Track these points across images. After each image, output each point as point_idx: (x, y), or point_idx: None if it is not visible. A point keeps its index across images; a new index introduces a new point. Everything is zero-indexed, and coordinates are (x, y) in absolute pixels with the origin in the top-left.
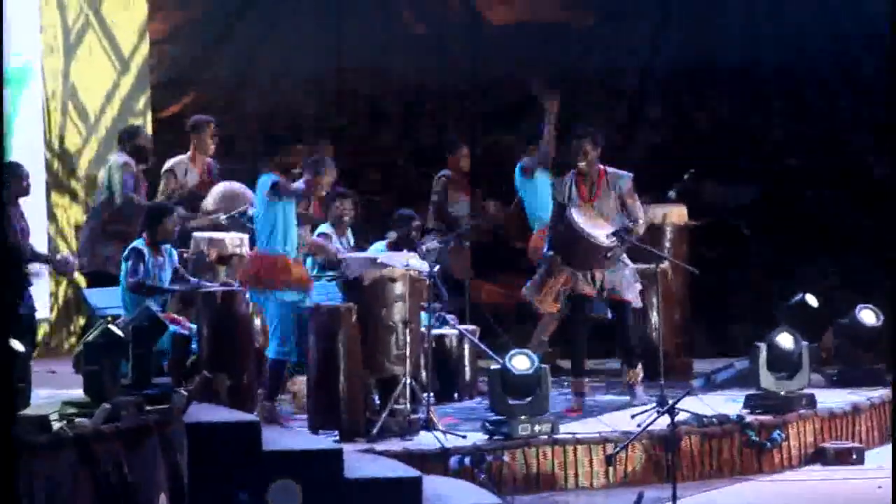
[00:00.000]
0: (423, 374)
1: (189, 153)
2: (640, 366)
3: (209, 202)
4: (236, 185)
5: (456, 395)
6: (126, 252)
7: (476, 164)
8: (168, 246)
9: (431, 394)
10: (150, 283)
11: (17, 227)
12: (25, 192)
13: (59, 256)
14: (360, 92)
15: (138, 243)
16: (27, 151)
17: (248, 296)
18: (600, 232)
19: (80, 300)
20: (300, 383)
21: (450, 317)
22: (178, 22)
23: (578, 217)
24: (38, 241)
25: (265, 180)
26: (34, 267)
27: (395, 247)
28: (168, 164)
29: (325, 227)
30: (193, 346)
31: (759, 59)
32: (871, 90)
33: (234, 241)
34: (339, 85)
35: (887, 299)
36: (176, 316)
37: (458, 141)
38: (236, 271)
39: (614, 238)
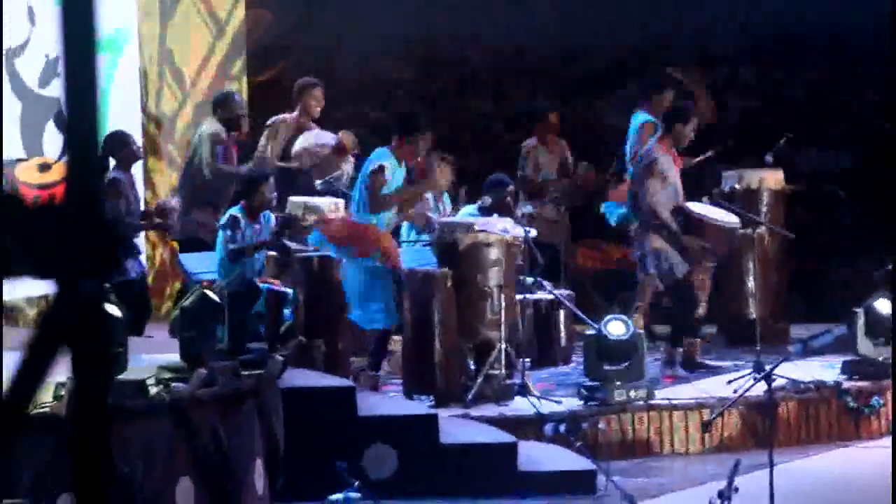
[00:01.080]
0: (519, 338)
1: (295, 114)
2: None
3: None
4: (317, 135)
5: (551, 360)
6: (223, 219)
7: (568, 129)
8: (266, 212)
9: (527, 359)
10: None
11: (131, 195)
12: (137, 156)
13: (158, 202)
14: (452, 57)
15: (235, 210)
16: (124, 117)
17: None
18: (720, 213)
19: (175, 264)
20: (397, 342)
21: (546, 282)
22: None
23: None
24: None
25: (373, 156)
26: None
27: (487, 212)
28: (271, 120)
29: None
30: (287, 311)
31: (852, 23)
32: None
33: (330, 206)
34: (430, 51)
35: None
36: (271, 279)
37: (545, 106)
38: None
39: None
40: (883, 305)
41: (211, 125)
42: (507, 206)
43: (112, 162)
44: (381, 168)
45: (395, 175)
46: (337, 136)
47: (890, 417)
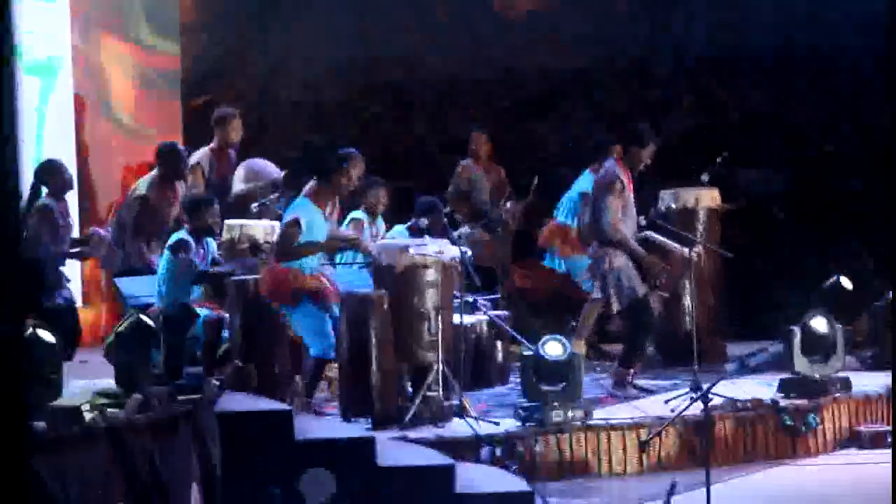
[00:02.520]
0: (455, 361)
1: (212, 145)
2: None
3: (237, 181)
4: (260, 162)
5: (488, 381)
6: (172, 241)
7: (506, 153)
8: (208, 238)
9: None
10: (202, 269)
11: (62, 223)
12: (69, 185)
13: (91, 232)
14: (390, 81)
15: (183, 234)
16: (58, 142)
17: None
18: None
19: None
20: (335, 369)
21: (482, 303)
22: (210, 12)
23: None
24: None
25: (294, 205)
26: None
27: (419, 233)
28: (194, 157)
29: (358, 214)
30: (225, 333)
31: (791, 44)
32: None
33: (267, 228)
34: (368, 74)
35: None
36: (209, 304)
37: (477, 129)
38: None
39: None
40: (819, 323)
41: (144, 187)
42: (443, 228)
43: (44, 190)
44: (296, 222)
45: (314, 226)
46: (279, 173)
47: (827, 435)
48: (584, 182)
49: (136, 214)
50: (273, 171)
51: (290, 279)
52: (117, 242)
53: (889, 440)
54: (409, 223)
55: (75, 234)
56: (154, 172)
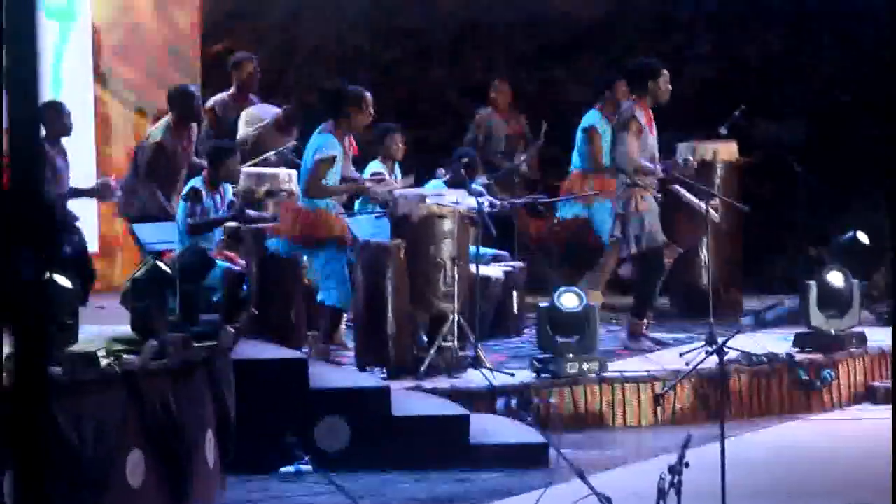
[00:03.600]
0: (477, 310)
1: (231, 91)
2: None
3: (241, 127)
4: (258, 107)
5: (504, 332)
6: (185, 191)
7: (525, 100)
8: (226, 185)
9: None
10: (209, 217)
11: (58, 166)
12: (67, 130)
13: (99, 182)
14: (409, 26)
15: (197, 182)
16: (76, 87)
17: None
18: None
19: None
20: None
21: (501, 253)
22: None
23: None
24: (86, 175)
25: (324, 142)
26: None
27: (452, 185)
28: (209, 102)
29: (376, 165)
30: (244, 288)
31: None
32: None
33: (283, 176)
34: (387, 21)
35: None
36: (228, 253)
37: (501, 75)
38: (280, 218)
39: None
40: (835, 277)
41: (158, 133)
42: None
43: (42, 131)
44: (333, 158)
45: (339, 164)
46: (280, 110)
47: (842, 391)
48: (590, 118)
49: (150, 160)
50: (273, 111)
51: (319, 221)
52: (133, 188)
53: None
54: (446, 177)
55: (91, 182)
56: (168, 117)
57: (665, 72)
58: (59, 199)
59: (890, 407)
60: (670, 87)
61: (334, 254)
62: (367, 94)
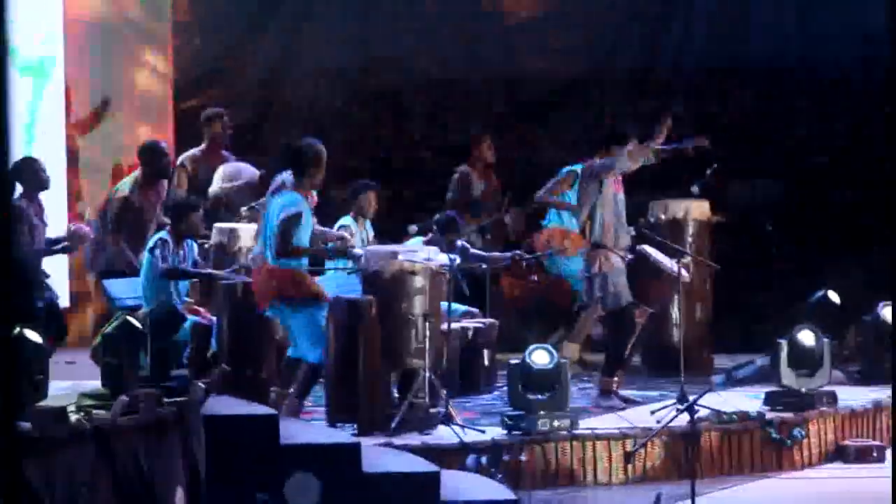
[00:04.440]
0: (443, 367)
1: (202, 146)
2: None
3: (215, 182)
4: (238, 164)
5: (475, 389)
6: (151, 243)
7: (503, 158)
8: (189, 240)
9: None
10: (187, 270)
11: (35, 223)
12: (44, 185)
13: (71, 229)
14: (386, 85)
15: (163, 234)
16: (49, 143)
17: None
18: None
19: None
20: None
21: (472, 309)
22: (206, 14)
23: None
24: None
25: (290, 201)
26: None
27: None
28: (180, 158)
29: (347, 220)
30: (213, 339)
31: (783, 56)
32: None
33: (255, 233)
34: (365, 79)
35: None
36: (197, 307)
37: (479, 133)
38: (254, 279)
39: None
40: (806, 336)
41: (126, 187)
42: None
43: (18, 189)
44: (298, 216)
45: (307, 220)
46: (256, 171)
47: (812, 449)
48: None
49: (117, 213)
50: (251, 172)
51: (296, 280)
52: (101, 242)
53: (875, 455)
54: (427, 237)
55: (62, 233)
56: (137, 172)
57: (634, 141)
58: (35, 255)
59: (862, 466)
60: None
61: (312, 311)
62: (323, 150)
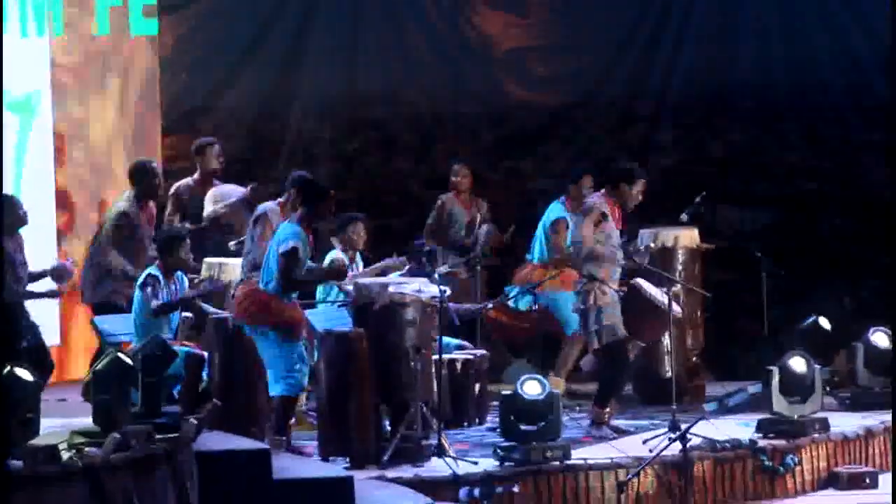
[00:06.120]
0: (434, 399)
1: (196, 176)
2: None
3: (207, 205)
4: (225, 186)
5: (467, 421)
6: (141, 279)
7: (492, 190)
8: (179, 273)
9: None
10: (173, 300)
11: (16, 260)
12: (22, 221)
13: (54, 265)
14: (373, 117)
15: (153, 270)
16: (37, 179)
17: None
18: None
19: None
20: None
21: (464, 343)
22: (195, 49)
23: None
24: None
25: (291, 234)
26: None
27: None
28: (173, 187)
29: (336, 254)
30: (205, 372)
31: (772, 84)
32: (884, 115)
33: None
34: (353, 111)
35: None
36: (187, 342)
37: (458, 163)
38: (235, 297)
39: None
40: (797, 363)
41: (122, 203)
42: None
43: None
44: (296, 250)
45: (304, 252)
46: (246, 189)
47: (805, 476)
48: (555, 211)
49: (114, 226)
50: (240, 189)
51: (270, 306)
52: (101, 264)
53: (867, 481)
54: (407, 267)
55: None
56: (129, 191)
57: (642, 181)
58: (19, 293)
59: (854, 492)
60: (641, 197)
61: (280, 342)
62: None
